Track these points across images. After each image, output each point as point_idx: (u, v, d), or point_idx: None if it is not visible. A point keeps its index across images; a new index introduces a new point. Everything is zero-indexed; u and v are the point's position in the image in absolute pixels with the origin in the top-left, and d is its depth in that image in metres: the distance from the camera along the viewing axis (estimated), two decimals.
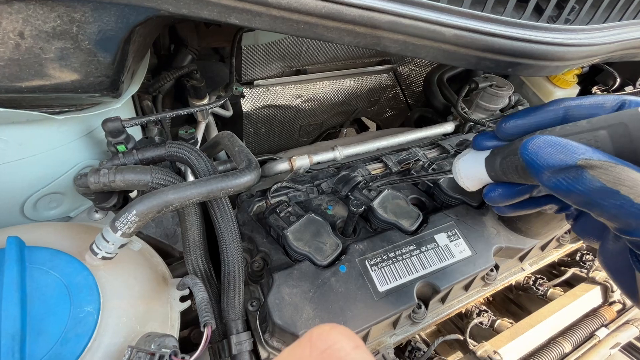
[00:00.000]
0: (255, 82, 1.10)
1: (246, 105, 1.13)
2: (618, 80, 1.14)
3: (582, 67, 1.14)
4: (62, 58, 0.38)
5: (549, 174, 0.27)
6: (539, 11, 0.45)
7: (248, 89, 1.10)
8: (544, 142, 0.27)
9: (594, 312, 0.75)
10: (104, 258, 0.43)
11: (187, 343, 0.58)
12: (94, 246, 0.43)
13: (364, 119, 1.53)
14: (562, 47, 0.43)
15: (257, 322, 0.54)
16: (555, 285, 0.80)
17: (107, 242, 0.42)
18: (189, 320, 0.56)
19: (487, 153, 0.36)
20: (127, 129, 0.52)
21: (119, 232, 0.42)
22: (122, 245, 0.44)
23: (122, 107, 0.56)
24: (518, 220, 0.64)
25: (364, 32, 0.38)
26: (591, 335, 0.71)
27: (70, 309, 0.39)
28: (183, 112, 0.62)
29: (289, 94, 1.18)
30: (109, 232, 0.42)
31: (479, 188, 0.38)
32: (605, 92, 1.18)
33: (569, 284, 0.82)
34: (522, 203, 0.36)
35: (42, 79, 0.39)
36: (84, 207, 0.63)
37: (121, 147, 0.51)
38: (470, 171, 0.37)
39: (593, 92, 1.20)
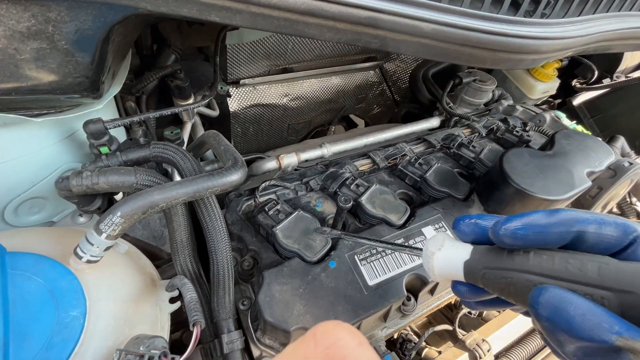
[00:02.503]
0: (242, 81, 1.09)
1: (233, 104, 1.13)
2: (596, 73, 1.17)
3: (562, 61, 1.17)
4: (38, 59, 0.37)
5: (575, 346, 0.22)
6: (515, 6, 0.46)
7: (234, 88, 1.10)
8: (562, 300, 0.22)
9: None
10: (89, 261, 0.42)
11: (179, 345, 0.57)
12: (78, 250, 0.42)
13: (352, 116, 1.53)
14: (538, 41, 0.45)
15: (249, 321, 0.54)
16: None
17: (92, 245, 0.42)
18: (180, 322, 0.55)
19: (466, 248, 0.31)
20: (110, 130, 0.51)
21: (104, 235, 0.41)
22: (108, 248, 0.44)
23: (104, 109, 0.55)
24: (502, 211, 0.66)
25: (344, 28, 0.38)
26: None
27: (55, 313, 0.38)
28: (167, 112, 0.62)
29: (276, 92, 1.17)
30: (93, 235, 0.41)
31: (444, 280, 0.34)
32: (584, 85, 1.22)
33: None
34: (492, 301, 0.32)
35: (18, 81, 0.38)
36: (68, 212, 0.62)
37: (104, 149, 0.51)
38: (445, 269, 0.32)
39: (572, 85, 1.23)
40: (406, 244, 0.60)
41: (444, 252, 0.32)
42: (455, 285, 0.33)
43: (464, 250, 0.31)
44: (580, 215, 0.25)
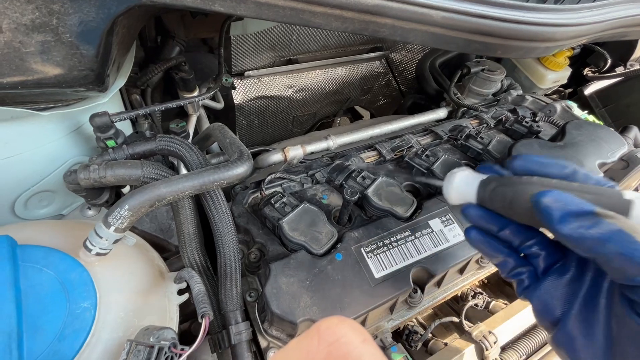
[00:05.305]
0: (246, 73, 1.08)
1: (238, 96, 1.12)
2: (609, 61, 1.14)
3: (573, 49, 1.13)
4: (43, 52, 0.37)
5: (565, 220, 0.29)
6: None
7: (239, 80, 1.09)
8: (558, 194, 0.30)
9: None
10: (98, 254, 0.43)
11: (188, 336, 0.58)
12: (87, 243, 0.42)
13: (357, 107, 1.52)
14: (551, 28, 0.43)
15: (256, 312, 0.55)
16: None
17: (101, 238, 0.42)
18: (189, 313, 0.56)
19: (482, 177, 0.40)
20: (116, 123, 0.51)
21: (112, 228, 0.42)
22: (116, 241, 0.44)
23: (110, 102, 0.55)
24: None
25: (351, 16, 0.37)
26: None
27: (66, 305, 0.39)
28: (172, 104, 0.61)
29: (280, 84, 1.16)
30: (101, 228, 0.42)
31: (459, 203, 0.42)
32: (596, 74, 1.18)
33: None
34: (486, 238, 0.39)
35: (24, 74, 0.38)
36: (77, 205, 0.62)
37: (111, 143, 0.51)
38: (462, 187, 0.41)
39: (584, 74, 1.20)
40: (415, 229, 0.59)
41: (466, 173, 0.41)
42: (466, 207, 0.40)
43: (482, 175, 0.40)
44: (579, 168, 0.35)
